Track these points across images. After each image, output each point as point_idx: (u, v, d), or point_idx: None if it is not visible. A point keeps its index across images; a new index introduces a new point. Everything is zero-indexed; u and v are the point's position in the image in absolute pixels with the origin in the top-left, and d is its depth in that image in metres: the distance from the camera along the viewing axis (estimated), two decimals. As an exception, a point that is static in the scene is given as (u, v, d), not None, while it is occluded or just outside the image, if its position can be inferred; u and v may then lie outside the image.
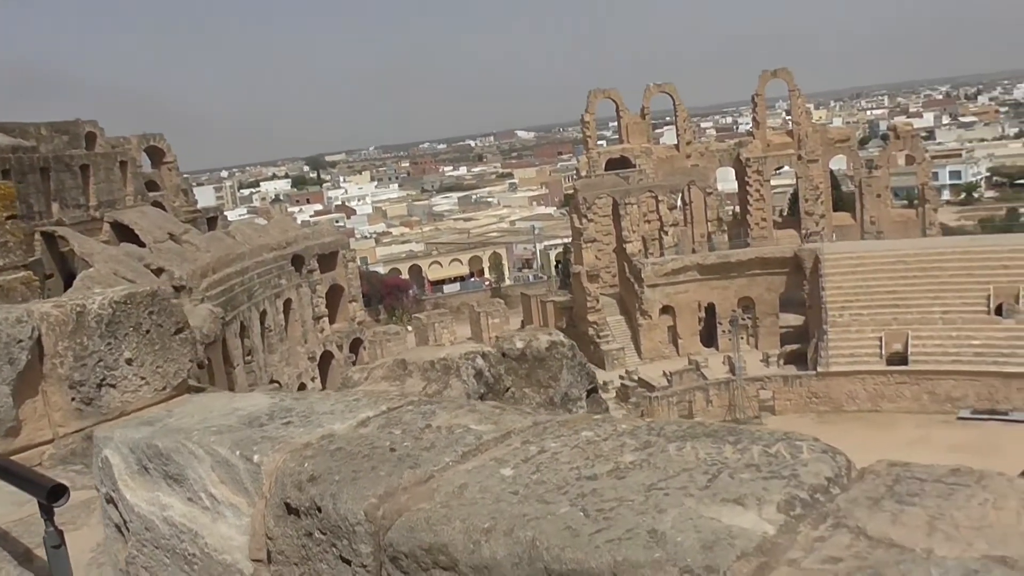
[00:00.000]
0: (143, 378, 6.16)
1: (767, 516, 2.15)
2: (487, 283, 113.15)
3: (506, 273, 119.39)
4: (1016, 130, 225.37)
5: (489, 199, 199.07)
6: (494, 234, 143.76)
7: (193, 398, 4.48)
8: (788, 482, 2.29)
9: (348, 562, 2.60)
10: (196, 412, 3.64)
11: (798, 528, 2.13)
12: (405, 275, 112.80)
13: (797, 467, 2.37)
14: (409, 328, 79.79)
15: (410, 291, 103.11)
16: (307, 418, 3.30)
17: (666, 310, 69.21)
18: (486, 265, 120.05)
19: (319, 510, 2.67)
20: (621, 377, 65.57)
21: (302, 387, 56.68)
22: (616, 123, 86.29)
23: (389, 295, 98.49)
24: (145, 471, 3.34)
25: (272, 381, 52.24)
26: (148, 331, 6.22)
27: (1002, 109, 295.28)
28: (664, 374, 63.26)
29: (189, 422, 3.48)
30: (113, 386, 6.10)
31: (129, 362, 6.13)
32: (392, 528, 2.47)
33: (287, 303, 58.73)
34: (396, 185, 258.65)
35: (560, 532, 2.18)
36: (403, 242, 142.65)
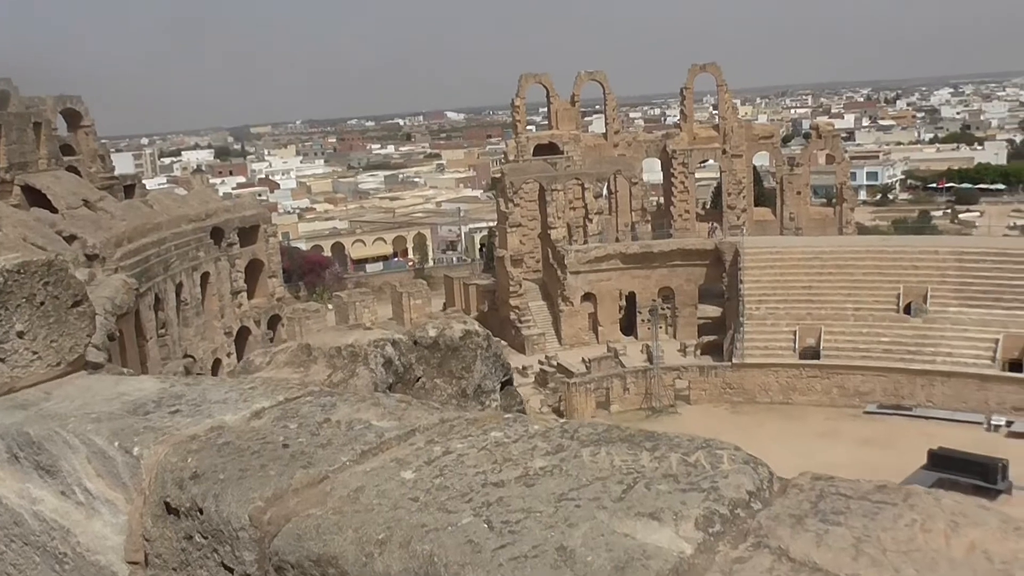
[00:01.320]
0: (35, 352, 5.80)
1: (684, 533, 2.00)
2: (410, 264, 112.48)
3: (430, 254, 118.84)
4: (931, 135, 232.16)
5: (416, 179, 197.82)
6: (420, 215, 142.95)
7: (76, 380, 4.17)
8: (707, 495, 2.14)
9: (230, 570, 2.38)
10: (77, 396, 3.36)
11: (717, 547, 1.98)
12: (328, 252, 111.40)
13: (717, 479, 2.22)
14: (329, 306, 78.84)
15: (332, 269, 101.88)
16: (197, 407, 3.04)
17: (587, 297, 69.62)
18: (410, 246, 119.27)
19: (200, 511, 2.43)
20: (540, 362, 65.80)
21: (217, 363, 55.58)
22: (546, 109, 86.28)
23: (310, 272, 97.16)
24: (15, 460, 3.06)
25: (186, 356, 51.10)
26: (43, 303, 5.86)
27: (919, 115, 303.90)
28: (583, 361, 63.63)
29: (67, 407, 3.20)
30: (2, 360, 5.74)
31: (20, 335, 5.78)
32: (279, 535, 2.25)
33: (204, 276, 57.42)
34: (322, 161, 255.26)
35: (461, 547, 1.99)
36: (327, 219, 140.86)
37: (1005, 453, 48.10)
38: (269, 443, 2.65)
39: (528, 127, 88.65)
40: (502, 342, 68.80)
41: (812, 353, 61.12)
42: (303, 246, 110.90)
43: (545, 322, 71.22)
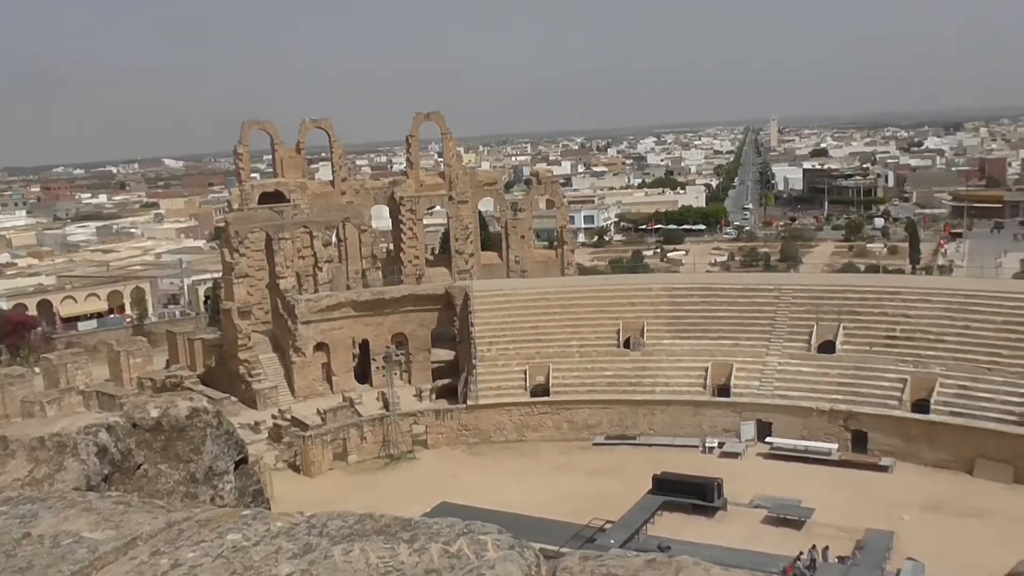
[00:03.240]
0: None
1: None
2: (128, 320, 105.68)
3: (150, 309, 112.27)
4: (639, 181, 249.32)
5: (132, 230, 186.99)
6: (137, 267, 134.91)
7: None
8: (474, 590, 1.97)
9: None
10: None
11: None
12: (33, 311, 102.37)
13: (484, 570, 2.06)
14: (36, 370, 72.39)
15: (38, 329, 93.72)
16: None
17: (320, 347, 68.34)
18: (128, 300, 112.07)
19: None
20: (274, 416, 63.64)
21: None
22: (271, 156, 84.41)
23: (13, 333, 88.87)
24: None
25: None
26: None
27: (628, 161, 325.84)
28: (318, 412, 62.21)
29: None
30: None
31: None
32: None
33: None
34: (24, 211, 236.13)
35: None
36: (31, 274, 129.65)
37: (719, 472, 51.89)
38: (-50, 572, 2.19)
39: (253, 175, 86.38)
40: (232, 398, 65.94)
41: (542, 390, 63.24)
42: (3, 305, 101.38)
43: (277, 374, 69.09)
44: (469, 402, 63.09)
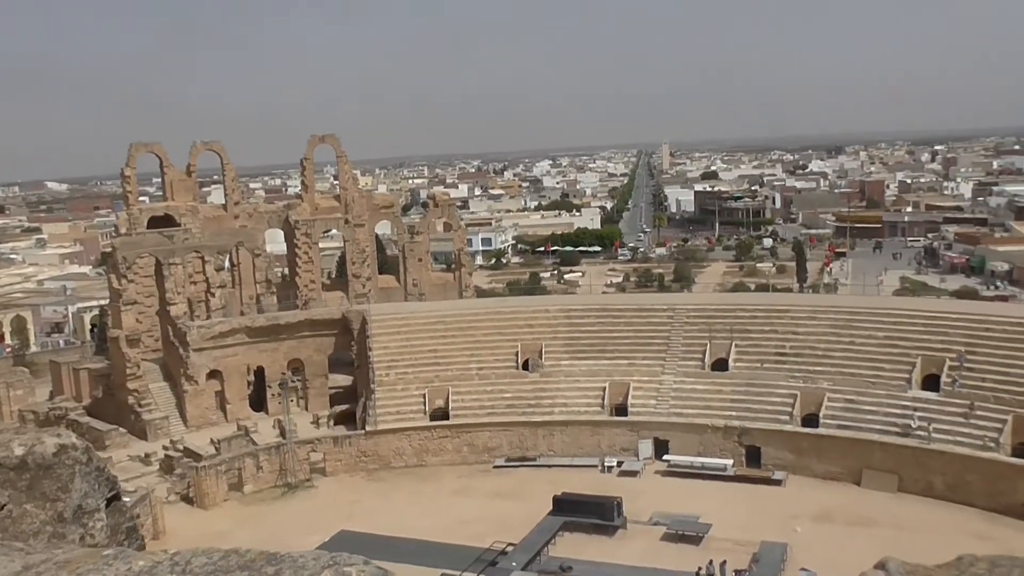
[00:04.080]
0: None
1: None
2: (8, 350, 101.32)
3: (32, 338, 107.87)
4: (536, 203, 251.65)
5: (12, 256, 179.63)
6: (18, 295, 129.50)
7: None
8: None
9: None
10: None
11: None
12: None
13: (352, 603, 1.99)
14: (-94, 405, 68.59)
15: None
16: None
17: (214, 375, 66.64)
18: (7, 329, 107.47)
19: None
20: (165, 448, 61.64)
21: None
22: (160, 179, 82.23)
23: None
24: None
25: None
26: None
27: (524, 184, 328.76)
28: (212, 442, 60.53)
29: None
30: None
31: None
32: None
33: None
34: None
35: None
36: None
37: (619, 491, 52.41)
38: None
39: (141, 198, 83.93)
40: (120, 429, 63.77)
41: (442, 414, 62.92)
42: None
43: (168, 404, 67.07)
44: (368, 428, 62.32)
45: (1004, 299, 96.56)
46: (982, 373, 53.64)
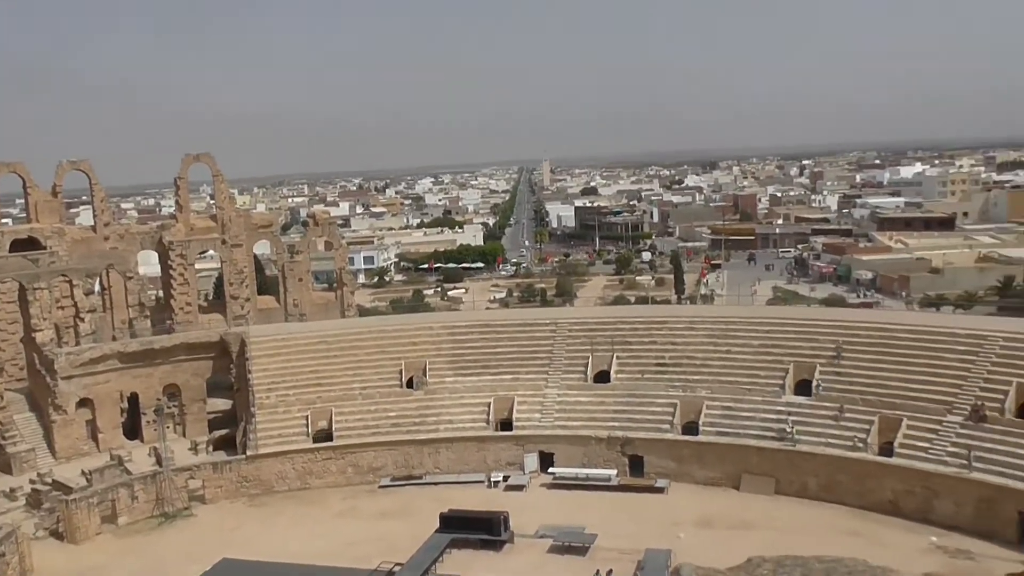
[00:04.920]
0: None
1: None
2: None
3: None
4: (418, 221, 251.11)
5: None
6: None
7: None
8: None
9: None
10: None
11: None
12: None
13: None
14: None
15: None
16: None
17: (84, 403, 63.94)
18: None
19: None
20: (32, 481, 58.79)
21: None
22: (23, 200, 78.69)
23: None
24: None
25: None
26: None
27: (406, 202, 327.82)
28: (83, 473, 58.04)
29: None
30: None
31: None
32: None
33: None
34: None
35: None
36: None
37: (505, 505, 52.48)
38: None
39: (3, 220, 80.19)
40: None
41: (325, 436, 61.92)
42: None
43: (35, 435, 64.01)
44: (249, 452, 60.78)
45: (869, 305, 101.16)
46: (850, 377, 55.92)
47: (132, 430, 66.63)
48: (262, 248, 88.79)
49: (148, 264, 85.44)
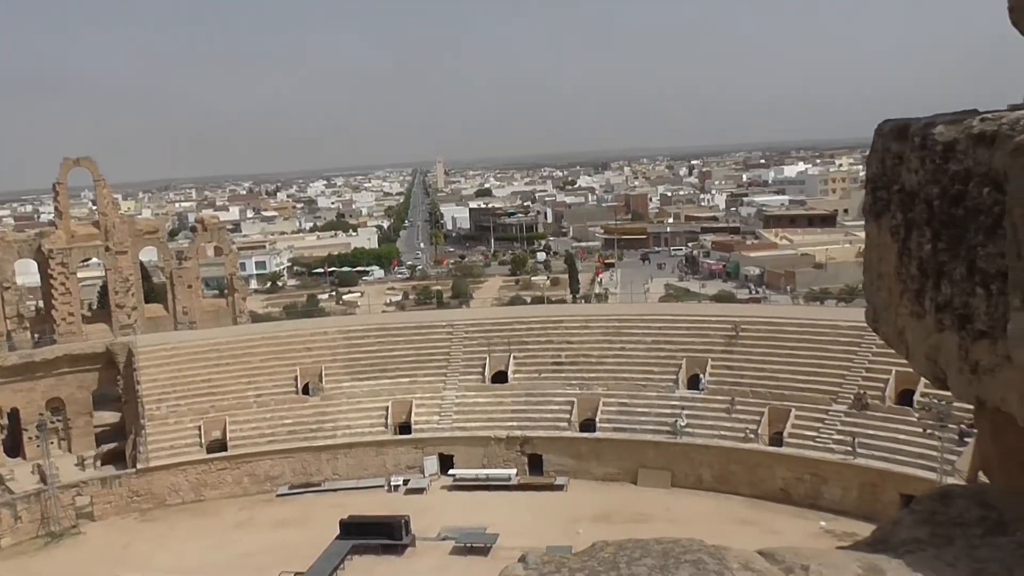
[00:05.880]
0: None
1: None
2: None
3: None
4: (311, 224, 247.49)
5: None
6: None
7: None
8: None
9: None
10: None
11: None
12: None
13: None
14: None
15: None
16: None
17: (-40, 420, 61.06)
18: None
19: None
20: (-96, 505, 55.86)
21: None
22: None
23: None
24: None
25: None
26: None
27: (298, 205, 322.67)
28: (-40, 494, 55.43)
29: None
30: None
31: None
32: None
33: None
34: None
35: None
36: None
37: (406, 509, 52.28)
38: None
39: None
40: None
41: (219, 445, 60.55)
42: None
43: (-94, 456, 60.79)
44: (139, 466, 58.99)
45: (757, 300, 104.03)
46: (740, 370, 57.53)
47: (13, 447, 63.84)
48: (148, 255, 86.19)
49: (27, 274, 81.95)
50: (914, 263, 2.22)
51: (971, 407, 2.15)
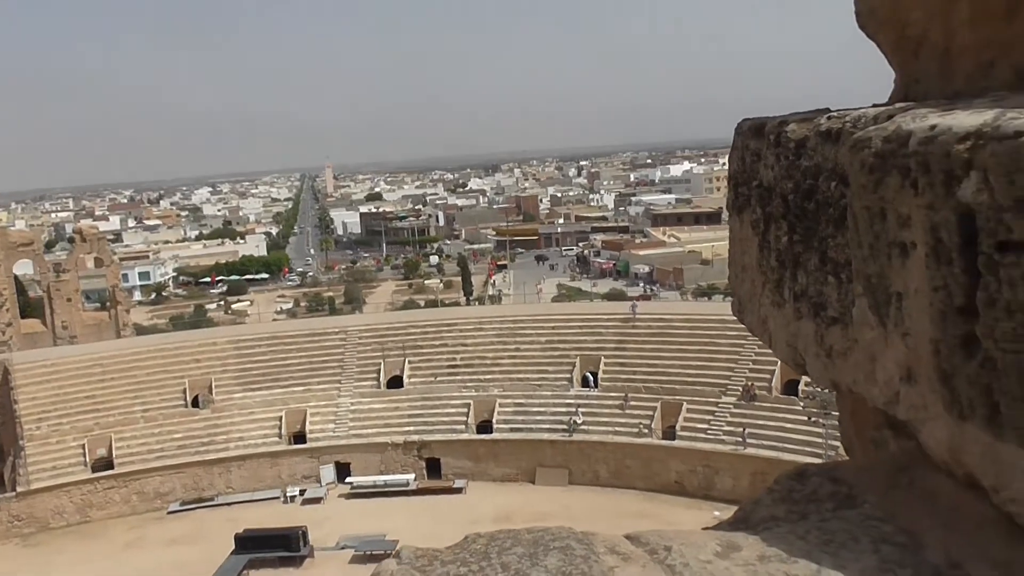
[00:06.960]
0: None
1: None
2: None
3: None
4: (197, 232, 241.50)
5: None
6: None
7: None
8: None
9: None
10: None
11: None
12: None
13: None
14: None
15: None
16: None
17: None
18: None
19: None
20: None
21: None
22: None
23: None
24: None
25: None
26: None
27: (183, 213, 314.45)
28: None
29: None
30: None
31: None
32: None
33: None
34: None
35: None
36: None
37: (303, 520, 51.48)
38: None
39: None
40: None
41: (105, 464, 58.53)
42: None
43: None
44: (19, 489, 56.50)
45: (647, 298, 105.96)
46: (632, 367, 58.58)
47: None
48: (23, 268, 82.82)
49: None
50: (773, 255, 2.33)
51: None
